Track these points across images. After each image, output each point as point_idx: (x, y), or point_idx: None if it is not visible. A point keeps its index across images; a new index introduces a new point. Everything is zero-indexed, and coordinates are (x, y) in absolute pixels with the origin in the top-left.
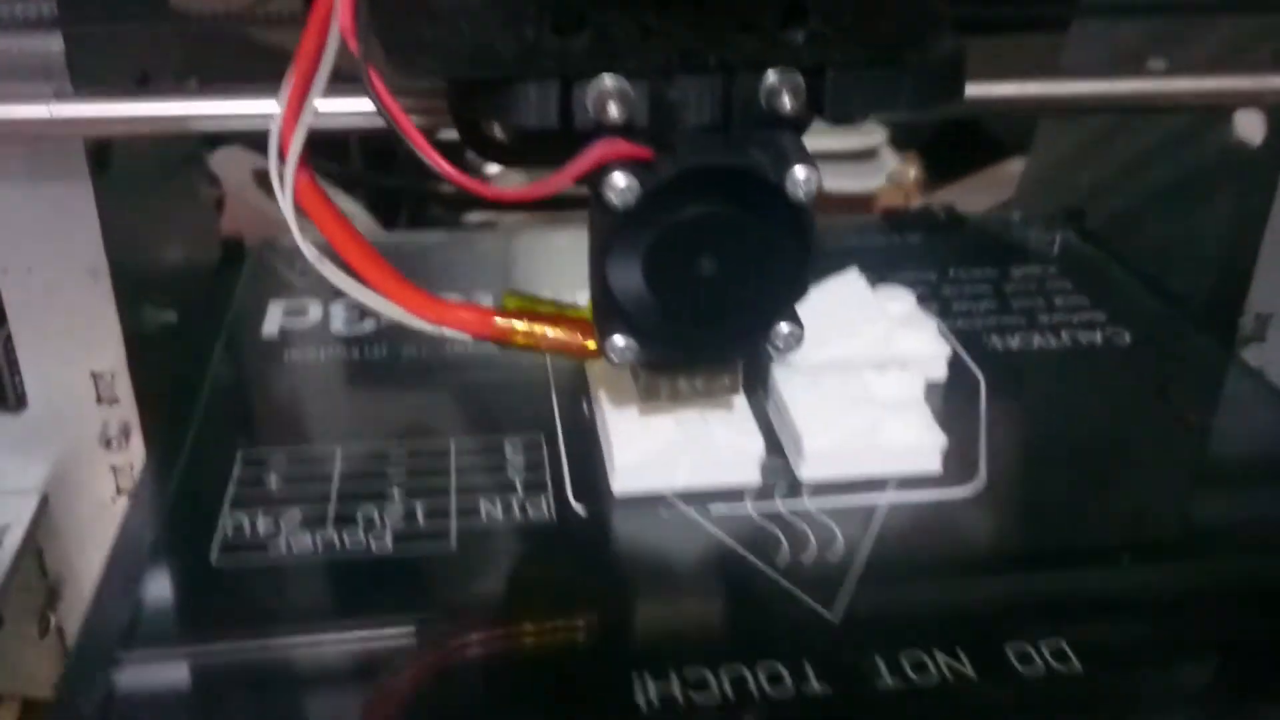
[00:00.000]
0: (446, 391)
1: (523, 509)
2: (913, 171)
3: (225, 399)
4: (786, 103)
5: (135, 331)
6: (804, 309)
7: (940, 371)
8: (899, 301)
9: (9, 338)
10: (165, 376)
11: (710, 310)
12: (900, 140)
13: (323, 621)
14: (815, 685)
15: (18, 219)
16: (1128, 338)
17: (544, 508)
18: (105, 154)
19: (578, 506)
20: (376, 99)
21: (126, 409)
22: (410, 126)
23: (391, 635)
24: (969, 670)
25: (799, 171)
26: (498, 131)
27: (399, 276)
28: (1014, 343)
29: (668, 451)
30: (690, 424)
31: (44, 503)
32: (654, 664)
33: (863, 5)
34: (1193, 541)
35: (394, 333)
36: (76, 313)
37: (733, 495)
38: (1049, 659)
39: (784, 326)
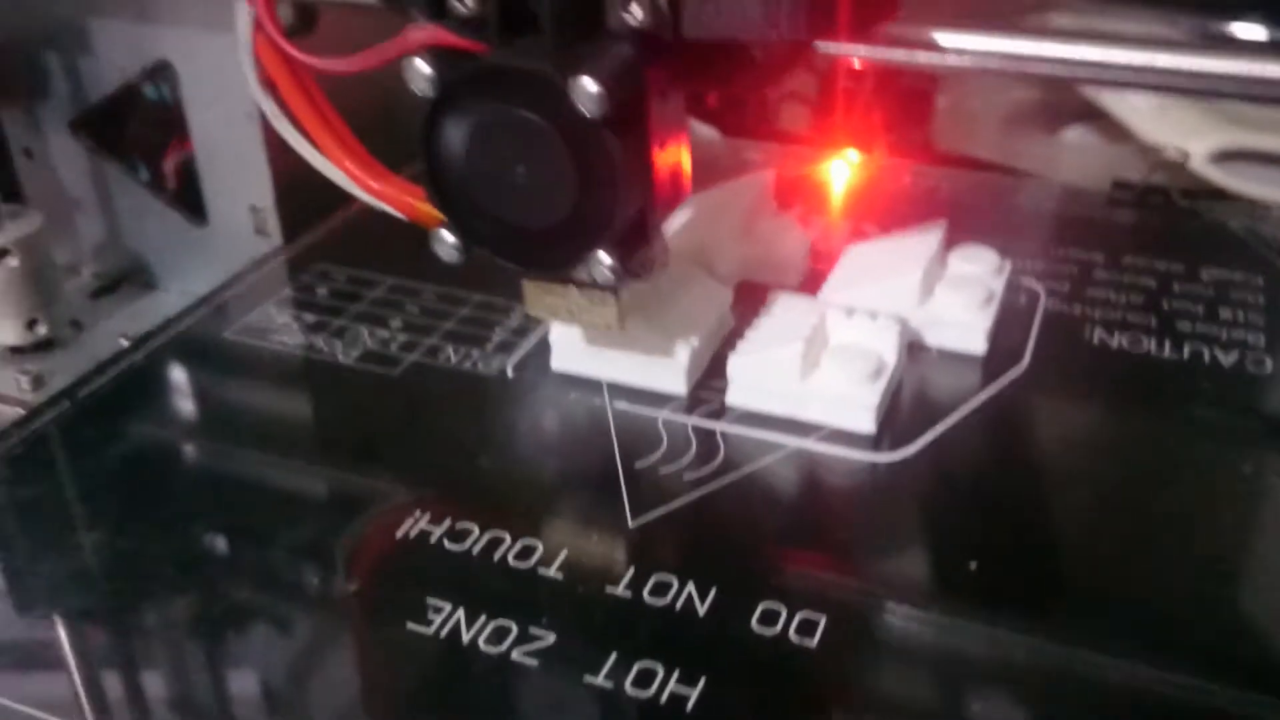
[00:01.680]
0: None
1: (475, 363)
2: None
3: (340, 228)
4: (635, 13)
5: (285, 178)
6: (860, 250)
7: (977, 344)
8: (972, 263)
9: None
10: (310, 219)
11: (525, 217)
12: None
13: (239, 397)
14: (552, 571)
15: (203, 59)
16: (1269, 368)
17: (491, 366)
18: (310, 17)
19: (512, 371)
20: None
21: (275, 244)
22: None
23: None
24: (701, 609)
25: (585, 83)
26: None
27: (350, 147)
28: (1115, 341)
29: (601, 340)
30: (641, 323)
31: None
32: (433, 510)
33: None
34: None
35: None
36: (240, 149)
37: (658, 399)
38: (792, 633)
39: (602, 255)
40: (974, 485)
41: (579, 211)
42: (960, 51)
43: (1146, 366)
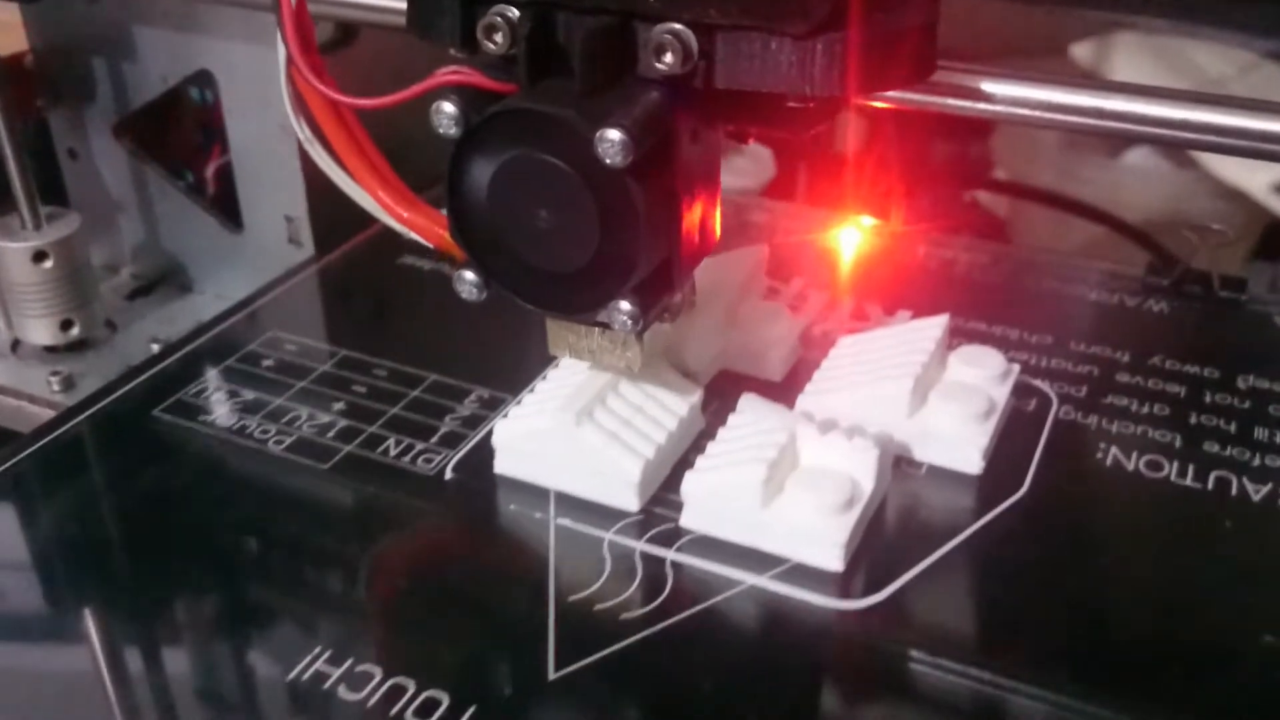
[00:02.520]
0: (481, 328)
1: (415, 458)
2: None
3: (322, 276)
4: (668, 60)
5: (319, 190)
6: (851, 343)
7: (972, 464)
8: (973, 368)
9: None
10: (344, 230)
11: (547, 261)
12: None
13: (144, 494)
14: None
15: (243, 70)
16: None
17: (433, 461)
18: (351, 29)
19: (451, 472)
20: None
21: (308, 254)
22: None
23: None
24: None
25: (610, 132)
26: None
27: (384, 174)
28: (1132, 463)
29: (550, 447)
30: (593, 427)
31: None
32: (334, 648)
33: None
34: None
35: None
36: (276, 160)
37: (608, 516)
38: None
39: (623, 304)
40: (953, 642)
41: (601, 258)
42: (1004, 99)
43: (1164, 497)
